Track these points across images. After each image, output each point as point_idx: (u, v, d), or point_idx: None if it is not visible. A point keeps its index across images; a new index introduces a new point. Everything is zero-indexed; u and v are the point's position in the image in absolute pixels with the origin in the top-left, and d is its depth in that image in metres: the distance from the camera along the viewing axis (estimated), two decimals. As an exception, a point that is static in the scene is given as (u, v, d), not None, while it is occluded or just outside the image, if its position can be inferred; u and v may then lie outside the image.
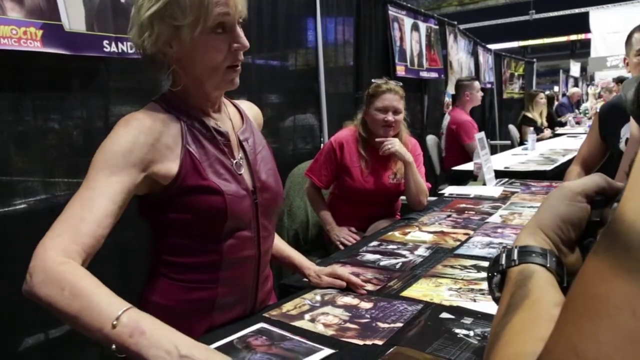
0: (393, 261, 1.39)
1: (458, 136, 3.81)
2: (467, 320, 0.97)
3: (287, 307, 1.08)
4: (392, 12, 3.77)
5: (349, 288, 1.16)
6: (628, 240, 0.26)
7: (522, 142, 5.21)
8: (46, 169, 1.66)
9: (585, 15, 9.38)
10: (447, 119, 4.05)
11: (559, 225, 0.51)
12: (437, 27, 4.54)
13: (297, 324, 0.99)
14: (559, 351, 0.28)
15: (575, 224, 0.51)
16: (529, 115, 5.55)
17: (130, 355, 0.69)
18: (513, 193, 2.29)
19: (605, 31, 9.05)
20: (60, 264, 0.76)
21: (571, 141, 4.71)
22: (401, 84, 2.09)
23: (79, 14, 1.62)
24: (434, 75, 4.42)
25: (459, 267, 1.31)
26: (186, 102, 1.02)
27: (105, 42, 1.69)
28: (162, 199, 0.97)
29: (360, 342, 0.90)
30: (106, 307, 0.71)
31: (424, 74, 4.24)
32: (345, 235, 2.00)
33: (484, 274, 1.24)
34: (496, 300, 0.51)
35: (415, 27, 4.12)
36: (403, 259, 1.40)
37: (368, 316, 1.02)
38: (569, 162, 2.25)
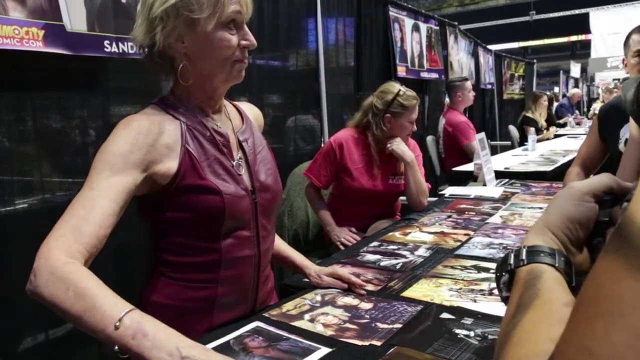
0: (393, 261, 1.39)
1: (455, 138, 3.79)
2: (468, 321, 0.97)
3: (287, 306, 1.09)
4: (392, 12, 3.77)
5: (350, 288, 1.16)
6: None
7: (522, 142, 5.20)
8: (46, 168, 1.66)
9: (586, 16, 9.40)
10: (442, 121, 4.03)
11: (567, 225, 0.51)
12: (437, 27, 4.54)
13: (297, 323, 1.00)
14: (571, 351, 0.28)
15: (584, 224, 0.51)
16: (530, 115, 5.55)
17: (133, 356, 0.69)
18: (513, 194, 2.29)
19: (606, 32, 9.06)
20: (64, 264, 0.76)
21: (571, 142, 4.71)
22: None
23: (81, 15, 1.62)
24: (434, 75, 4.42)
25: (459, 267, 1.31)
26: (187, 103, 1.03)
27: (106, 42, 1.69)
28: (161, 198, 0.97)
29: (359, 343, 0.91)
30: (109, 308, 0.71)
31: (424, 75, 4.24)
32: (345, 235, 2.00)
33: (484, 275, 1.24)
34: (504, 299, 0.51)
35: (415, 28, 4.12)
36: (403, 260, 1.40)
37: (368, 317, 1.02)
38: (569, 163, 2.25)
